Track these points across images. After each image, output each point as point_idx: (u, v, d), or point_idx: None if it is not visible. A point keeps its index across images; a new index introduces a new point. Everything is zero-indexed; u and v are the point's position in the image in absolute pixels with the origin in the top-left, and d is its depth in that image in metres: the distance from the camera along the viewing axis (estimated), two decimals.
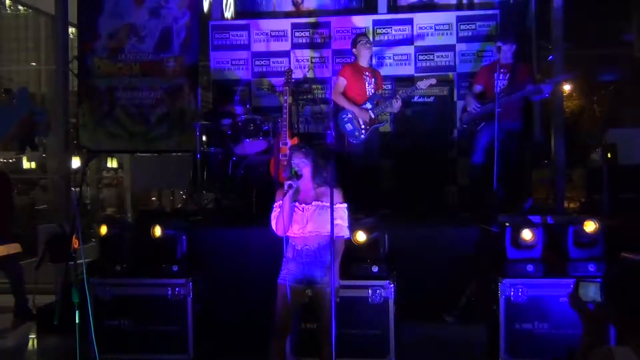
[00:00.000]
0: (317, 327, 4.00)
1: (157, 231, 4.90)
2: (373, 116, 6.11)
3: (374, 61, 7.03)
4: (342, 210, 3.90)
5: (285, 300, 3.90)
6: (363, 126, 6.09)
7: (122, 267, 5.00)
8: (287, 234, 3.94)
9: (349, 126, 6.11)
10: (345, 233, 3.96)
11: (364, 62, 6.26)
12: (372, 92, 6.19)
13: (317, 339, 3.94)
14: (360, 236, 4.63)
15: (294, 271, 3.92)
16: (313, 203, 3.91)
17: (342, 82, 6.21)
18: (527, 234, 4.58)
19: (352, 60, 6.42)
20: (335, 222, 3.73)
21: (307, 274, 3.91)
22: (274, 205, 3.97)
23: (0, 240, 6.10)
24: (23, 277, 6.19)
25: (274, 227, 3.94)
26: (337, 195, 3.86)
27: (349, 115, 6.12)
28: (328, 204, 3.72)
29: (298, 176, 3.88)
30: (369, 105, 6.12)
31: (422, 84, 6.09)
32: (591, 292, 2.45)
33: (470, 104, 6.30)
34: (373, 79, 6.22)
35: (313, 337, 4.35)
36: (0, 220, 6.22)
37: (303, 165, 3.92)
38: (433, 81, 6.14)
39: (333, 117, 6.54)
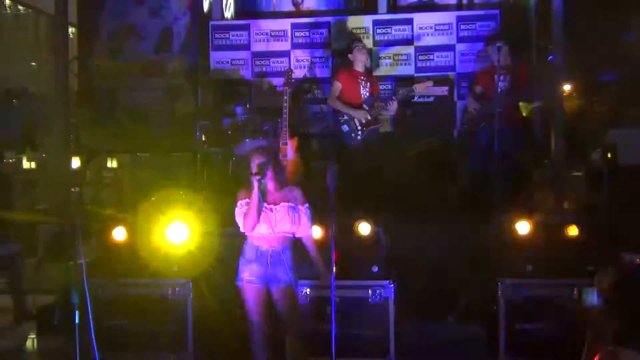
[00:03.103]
0: (281, 325, 4.10)
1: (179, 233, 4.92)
2: (370, 118, 6.14)
3: (379, 63, 7.06)
4: (305, 210, 4.05)
5: (256, 301, 4.01)
6: (359, 127, 6.14)
7: (122, 267, 5.00)
8: (252, 234, 3.98)
9: (345, 127, 6.17)
10: (310, 232, 4.12)
11: (359, 66, 6.33)
12: (367, 95, 6.22)
13: (283, 336, 4.08)
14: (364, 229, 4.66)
15: (257, 272, 4.00)
16: (281, 204, 4.00)
17: (337, 86, 6.29)
18: (524, 227, 4.61)
19: (348, 64, 6.46)
20: (302, 221, 4.00)
21: (271, 274, 4.00)
22: (238, 204, 4.03)
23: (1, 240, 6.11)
24: (21, 277, 6.18)
25: (241, 224, 4.02)
26: (299, 196, 4.06)
27: (345, 117, 6.17)
28: (295, 205, 3.99)
29: (263, 175, 3.90)
30: (365, 108, 6.17)
31: (419, 87, 6.14)
32: (592, 297, 2.46)
33: (471, 105, 6.33)
34: (368, 83, 6.28)
35: (313, 337, 4.37)
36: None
37: (264, 165, 3.95)
38: (430, 84, 6.18)
39: (332, 119, 6.57)
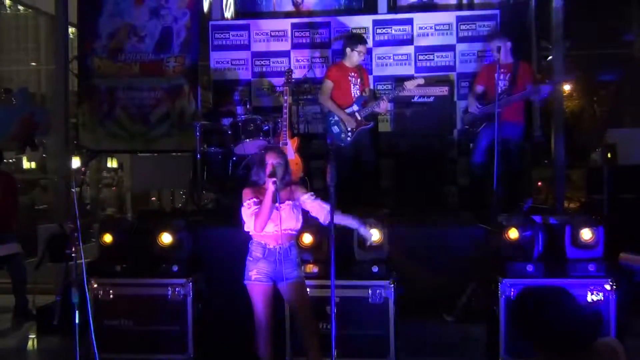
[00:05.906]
0: (299, 322, 4.12)
1: (166, 238, 4.89)
2: (359, 118, 6.10)
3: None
4: (311, 197, 4.11)
5: (264, 299, 4.02)
6: (349, 129, 6.09)
7: (122, 267, 5.00)
8: (259, 233, 3.97)
9: (335, 128, 6.12)
10: (327, 208, 4.05)
11: (350, 63, 6.22)
12: (358, 93, 6.17)
13: (302, 333, 4.07)
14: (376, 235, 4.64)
15: (265, 270, 4.01)
16: (286, 202, 4.02)
17: (328, 84, 6.18)
18: (513, 234, 4.62)
19: (338, 60, 6.41)
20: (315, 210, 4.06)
21: (279, 271, 4.01)
22: (246, 203, 4.01)
23: (4, 240, 6.11)
24: (26, 278, 6.18)
25: (251, 225, 4.00)
26: (299, 192, 4.10)
27: (336, 118, 6.12)
28: (297, 202, 4.05)
29: (276, 175, 3.91)
30: (355, 107, 6.11)
31: (409, 84, 6.09)
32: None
33: (472, 105, 6.31)
34: (359, 80, 6.20)
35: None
36: (4, 220, 6.22)
37: (278, 165, 3.95)
38: (421, 81, 6.14)
39: (323, 119, 6.50)
